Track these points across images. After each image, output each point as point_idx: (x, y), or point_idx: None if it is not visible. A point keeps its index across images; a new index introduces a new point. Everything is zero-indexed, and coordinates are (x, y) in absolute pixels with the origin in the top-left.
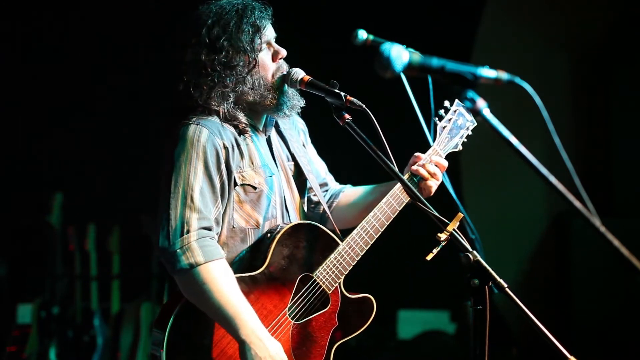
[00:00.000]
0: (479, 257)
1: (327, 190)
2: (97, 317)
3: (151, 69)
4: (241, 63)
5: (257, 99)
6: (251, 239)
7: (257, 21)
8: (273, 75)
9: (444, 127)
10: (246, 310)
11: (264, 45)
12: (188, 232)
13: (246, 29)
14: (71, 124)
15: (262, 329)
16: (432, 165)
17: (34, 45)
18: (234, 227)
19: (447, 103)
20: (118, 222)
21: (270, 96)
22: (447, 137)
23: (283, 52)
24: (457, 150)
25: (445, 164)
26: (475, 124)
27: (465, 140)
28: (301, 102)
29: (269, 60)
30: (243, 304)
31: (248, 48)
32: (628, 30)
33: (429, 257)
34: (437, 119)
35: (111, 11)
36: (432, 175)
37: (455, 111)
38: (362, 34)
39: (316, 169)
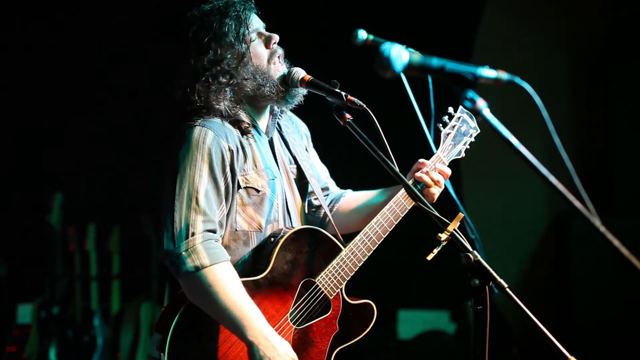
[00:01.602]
0: (479, 257)
1: (327, 195)
2: (97, 317)
3: (151, 69)
4: (229, 56)
5: (255, 89)
6: (254, 242)
7: (240, 14)
8: (268, 61)
9: (447, 134)
10: (253, 312)
11: (254, 35)
12: (193, 234)
13: (229, 23)
14: (71, 123)
15: (269, 330)
16: (435, 172)
17: (34, 45)
18: (236, 229)
19: (451, 109)
20: (118, 222)
21: (268, 85)
22: (451, 144)
23: (275, 37)
24: (460, 157)
25: (449, 171)
26: (479, 130)
27: (469, 147)
28: (303, 91)
29: (262, 48)
30: (249, 306)
31: (234, 41)
32: (628, 30)
33: (429, 257)
34: (441, 125)
35: (111, 11)
36: (436, 182)
37: (459, 118)
38: (362, 34)
39: (318, 173)
